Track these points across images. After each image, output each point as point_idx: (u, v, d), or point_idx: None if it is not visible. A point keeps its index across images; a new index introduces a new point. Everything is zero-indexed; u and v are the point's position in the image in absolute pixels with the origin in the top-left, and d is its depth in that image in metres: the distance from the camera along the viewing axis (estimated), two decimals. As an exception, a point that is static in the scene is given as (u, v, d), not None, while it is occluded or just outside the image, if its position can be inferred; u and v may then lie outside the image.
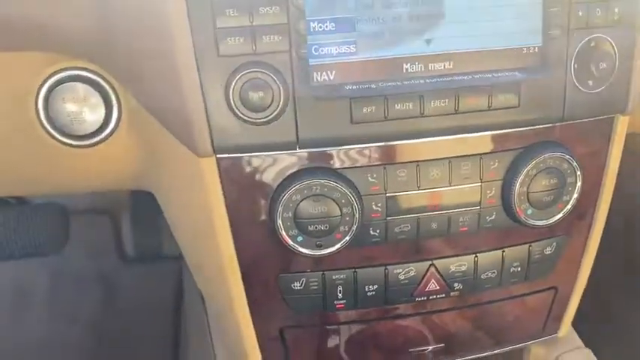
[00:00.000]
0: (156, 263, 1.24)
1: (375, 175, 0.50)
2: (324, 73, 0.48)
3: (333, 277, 0.51)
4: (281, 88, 0.46)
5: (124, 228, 1.26)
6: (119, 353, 1.16)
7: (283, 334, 0.55)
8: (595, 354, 0.65)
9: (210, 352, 0.65)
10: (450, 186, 0.51)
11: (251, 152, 0.50)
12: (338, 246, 0.49)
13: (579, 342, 0.66)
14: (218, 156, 0.49)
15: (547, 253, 0.56)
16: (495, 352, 0.62)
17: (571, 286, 0.60)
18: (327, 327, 0.56)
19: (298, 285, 0.50)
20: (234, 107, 0.46)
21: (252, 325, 0.54)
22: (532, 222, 0.52)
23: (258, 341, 0.55)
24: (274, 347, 0.55)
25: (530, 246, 0.55)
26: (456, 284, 0.53)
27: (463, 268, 0.53)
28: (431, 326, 0.57)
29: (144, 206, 1.16)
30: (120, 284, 1.24)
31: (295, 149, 0.49)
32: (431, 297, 0.53)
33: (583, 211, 0.57)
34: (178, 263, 1.09)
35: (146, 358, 1.15)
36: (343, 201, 0.48)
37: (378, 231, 0.51)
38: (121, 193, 1.22)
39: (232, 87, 0.46)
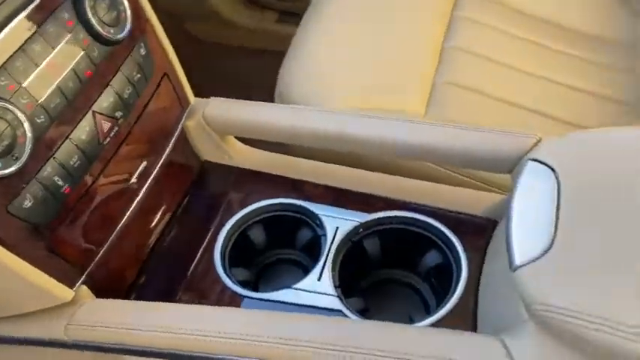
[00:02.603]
0: None
1: None
2: None
3: (44, 175, 0.45)
4: None
5: None
6: None
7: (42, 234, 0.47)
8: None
9: None
10: None
11: None
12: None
13: None
14: None
15: None
16: None
17: None
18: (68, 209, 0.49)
19: (27, 202, 0.44)
20: None
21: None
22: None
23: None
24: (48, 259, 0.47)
25: None
26: (117, 112, 0.50)
27: (112, 99, 0.50)
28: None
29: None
30: None
31: None
32: (112, 134, 0.50)
33: None
34: None
35: None
36: None
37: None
38: None
39: None
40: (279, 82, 0.75)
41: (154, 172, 0.58)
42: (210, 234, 0.60)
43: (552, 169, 0.43)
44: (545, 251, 0.38)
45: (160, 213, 0.60)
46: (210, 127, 0.62)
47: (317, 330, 0.44)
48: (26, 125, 0.42)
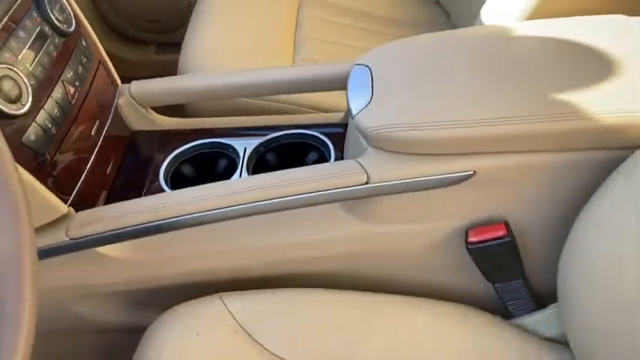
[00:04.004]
0: None
1: None
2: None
3: (39, 120, 0.64)
4: None
5: None
6: None
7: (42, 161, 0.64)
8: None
9: None
10: None
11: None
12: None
13: None
14: None
15: None
16: None
17: None
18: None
19: (32, 136, 0.63)
20: None
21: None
22: None
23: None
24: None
25: None
26: (76, 82, 0.73)
27: (71, 72, 0.71)
28: None
29: None
30: None
31: None
32: (75, 97, 0.72)
33: None
34: None
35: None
36: None
37: None
38: None
39: None
40: (181, 59, 1.00)
41: (103, 132, 0.79)
42: (151, 172, 0.81)
43: (367, 66, 0.71)
44: (368, 103, 0.66)
45: (111, 164, 0.80)
46: (136, 101, 0.85)
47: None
48: (26, 81, 0.63)
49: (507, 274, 0.70)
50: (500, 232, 0.66)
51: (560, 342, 0.69)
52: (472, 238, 0.67)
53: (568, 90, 0.61)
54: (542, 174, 0.63)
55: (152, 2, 1.42)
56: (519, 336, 0.70)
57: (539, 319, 0.71)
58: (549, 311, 0.70)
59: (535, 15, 0.73)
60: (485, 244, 0.66)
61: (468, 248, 0.68)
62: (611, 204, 0.57)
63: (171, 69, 1.03)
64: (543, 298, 0.72)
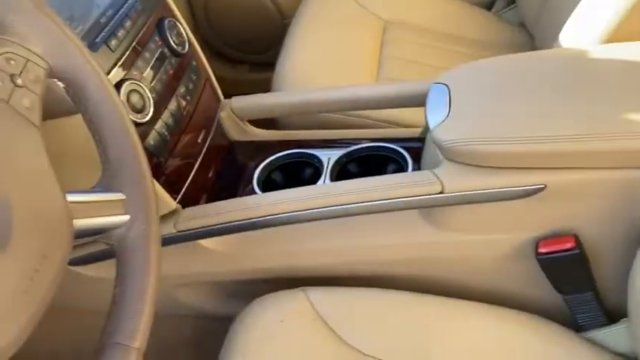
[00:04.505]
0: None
1: None
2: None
3: (157, 128, 0.76)
4: None
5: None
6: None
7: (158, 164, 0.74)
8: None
9: None
10: None
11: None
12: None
13: None
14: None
15: None
16: None
17: None
18: None
19: (152, 142, 0.76)
20: None
21: None
22: None
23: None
24: None
25: None
26: (187, 97, 0.83)
27: (183, 89, 0.83)
28: None
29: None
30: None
31: None
32: (186, 109, 0.84)
33: None
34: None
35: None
36: None
37: None
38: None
39: None
40: (275, 77, 1.10)
41: (207, 141, 0.90)
42: (246, 177, 0.91)
43: (445, 84, 0.77)
44: (445, 118, 0.72)
45: (212, 169, 0.91)
46: (236, 115, 0.95)
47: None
48: (149, 95, 0.74)
49: (577, 286, 0.73)
50: (569, 245, 0.69)
51: (631, 358, 0.70)
52: (542, 249, 0.70)
53: (639, 110, 0.64)
54: (611, 190, 0.66)
55: (249, 25, 1.55)
56: (590, 349, 0.72)
57: (610, 334, 0.73)
58: (620, 326, 0.72)
59: (611, 39, 0.76)
60: (555, 255, 0.70)
61: (537, 259, 0.71)
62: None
63: (262, 86, 1.13)
64: (614, 312, 0.73)
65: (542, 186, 0.67)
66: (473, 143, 0.68)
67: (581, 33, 0.82)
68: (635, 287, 0.64)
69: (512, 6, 1.31)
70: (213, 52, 1.60)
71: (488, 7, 1.37)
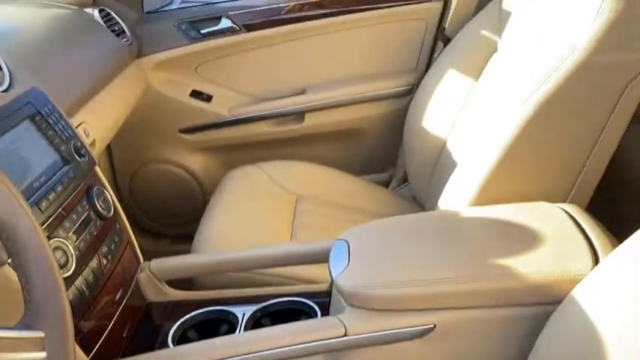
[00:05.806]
0: None
1: None
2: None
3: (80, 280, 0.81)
4: None
5: None
6: None
7: None
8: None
9: None
10: None
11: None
12: None
13: None
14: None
15: None
16: None
17: None
18: None
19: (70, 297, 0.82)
20: None
21: None
22: None
23: None
24: None
25: None
26: (109, 256, 0.94)
27: (105, 248, 0.90)
28: None
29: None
30: None
31: None
32: (106, 268, 0.86)
33: None
34: None
35: None
36: None
37: None
38: None
39: None
40: (194, 244, 1.17)
41: (124, 300, 0.93)
42: (161, 337, 0.93)
43: (346, 241, 0.88)
44: (345, 267, 0.81)
45: (127, 328, 0.93)
46: (155, 276, 1.00)
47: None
48: (72, 252, 0.79)
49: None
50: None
51: None
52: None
53: (503, 257, 0.77)
54: (488, 328, 0.76)
55: (172, 201, 1.65)
56: None
57: None
58: None
59: (476, 203, 0.93)
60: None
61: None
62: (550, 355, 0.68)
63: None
64: None
65: (432, 326, 0.76)
66: (368, 288, 0.77)
67: (455, 199, 0.99)
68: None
69: (406, 184, 1.52)
70: (136, 224, 1.67)
71: (386, 185, 1.57)
